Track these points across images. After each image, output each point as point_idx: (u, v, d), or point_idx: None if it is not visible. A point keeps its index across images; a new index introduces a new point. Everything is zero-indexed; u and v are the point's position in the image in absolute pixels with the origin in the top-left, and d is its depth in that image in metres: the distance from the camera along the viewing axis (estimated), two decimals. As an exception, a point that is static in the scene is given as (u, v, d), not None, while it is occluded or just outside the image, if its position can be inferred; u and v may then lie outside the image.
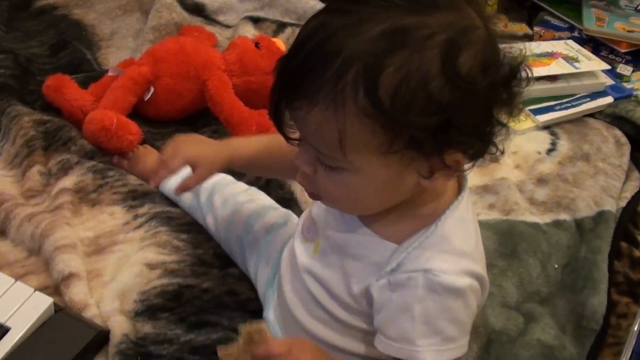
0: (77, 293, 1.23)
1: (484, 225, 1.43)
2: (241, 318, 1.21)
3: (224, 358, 0.91)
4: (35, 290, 1.20)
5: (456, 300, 0.88)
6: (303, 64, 0.79)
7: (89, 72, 1.79)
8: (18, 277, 1.23)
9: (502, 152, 0.87)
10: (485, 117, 0.83)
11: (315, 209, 1.04)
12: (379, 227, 0.93)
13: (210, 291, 1.26)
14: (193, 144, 1.16)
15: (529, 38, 2.15)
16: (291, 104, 0.82)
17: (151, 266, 1.29)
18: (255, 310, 1.23)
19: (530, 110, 1.79)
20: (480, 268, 0.91)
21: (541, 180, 1.60)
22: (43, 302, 1.17)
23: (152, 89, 1.64)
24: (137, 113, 1.64)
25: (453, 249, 0.89)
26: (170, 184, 1.39)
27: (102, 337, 1.17)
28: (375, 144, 0.80)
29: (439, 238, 0.89)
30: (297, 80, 0.80)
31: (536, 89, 1.83)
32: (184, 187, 1.15)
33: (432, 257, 0.88)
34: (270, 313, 1.16)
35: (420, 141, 0.79)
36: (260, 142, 1.21)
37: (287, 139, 0.87)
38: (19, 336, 1.13)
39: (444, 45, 0.78)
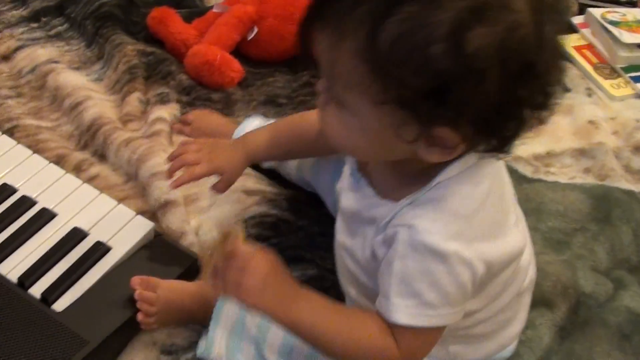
0: (173, 221, 1.26)
1: (578, 188, 1.44)
2: (331, 260, 1.22)
3: (202, 255, 0.92)
4: (137, 214, 1.22)
5: (438, 265, 0.83)
6: None
7: (192, 8, 1.80)
8: (118, 201, 1.26)
9: (509, 152, 0.82)
10: (494, 108, 0.75)
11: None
12: (382, 187, 0.91)
13: (305, 229, 1.28)
14: (215, 152, 1.18)
15: (632, 4, 2.10)
16: (312, 20, 0.79)
17: (249, 192, 1.32)
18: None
19: (631, 77, 1.76)
20: (480, 241, 0.85)
21: (638, 149, 1.58)
22: (144, 226, 1.20)
23: (255, 29, 1.65)
24: (238, 51, 1.65)
25: (446, 208, 0.84)
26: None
27: (198, 265, 1.19)
28: (365, 89, 0.76)
29: (435, 196, 0.84)
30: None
31: (638, 55, 1.80)
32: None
33: (421, 214, 0.84)
34: None
35: (409, 102, 0.74)
36: (274, 126, 1.21)
37: (307, 54, 0.82)
38: (119, 257, 1.16)
39: (461, 11, 0.70)
